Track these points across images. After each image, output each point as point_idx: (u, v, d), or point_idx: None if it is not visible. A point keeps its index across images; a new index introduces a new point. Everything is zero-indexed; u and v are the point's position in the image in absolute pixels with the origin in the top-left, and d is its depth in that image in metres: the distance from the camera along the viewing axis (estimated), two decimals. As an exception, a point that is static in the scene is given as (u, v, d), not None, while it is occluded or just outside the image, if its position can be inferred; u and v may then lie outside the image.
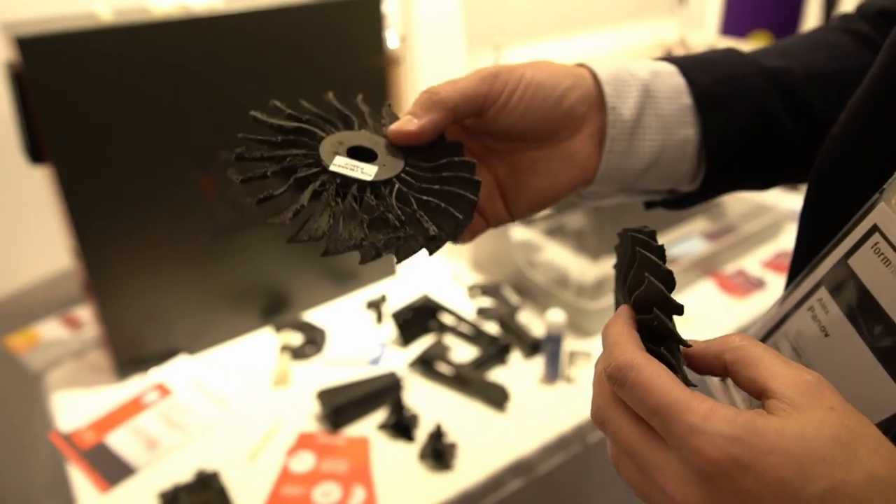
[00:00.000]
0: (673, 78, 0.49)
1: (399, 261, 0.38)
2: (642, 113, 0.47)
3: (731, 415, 0.28)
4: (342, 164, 0.40)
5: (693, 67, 0.49)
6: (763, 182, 0.54)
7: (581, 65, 0.48)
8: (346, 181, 0.40)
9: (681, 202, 0.54)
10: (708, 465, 0.28)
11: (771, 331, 0.42)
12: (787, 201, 1.59)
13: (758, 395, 0.31)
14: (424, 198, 0.40)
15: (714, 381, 0.34)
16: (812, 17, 2.84)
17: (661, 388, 0.30)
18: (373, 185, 0.40)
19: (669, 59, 0.51)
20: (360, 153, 0.42)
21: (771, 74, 0.50)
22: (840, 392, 0.30)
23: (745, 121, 0.49)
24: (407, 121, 0.43)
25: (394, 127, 0.43)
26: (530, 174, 0.48)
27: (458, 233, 0.40)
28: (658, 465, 0.30)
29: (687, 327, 1.24)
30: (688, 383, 0.31)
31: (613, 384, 0.32)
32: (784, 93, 0.50)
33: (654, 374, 0.30)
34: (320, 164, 0.40)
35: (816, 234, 0.41)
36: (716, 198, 0.54)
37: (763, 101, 0.49)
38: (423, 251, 0.39)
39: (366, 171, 0.40)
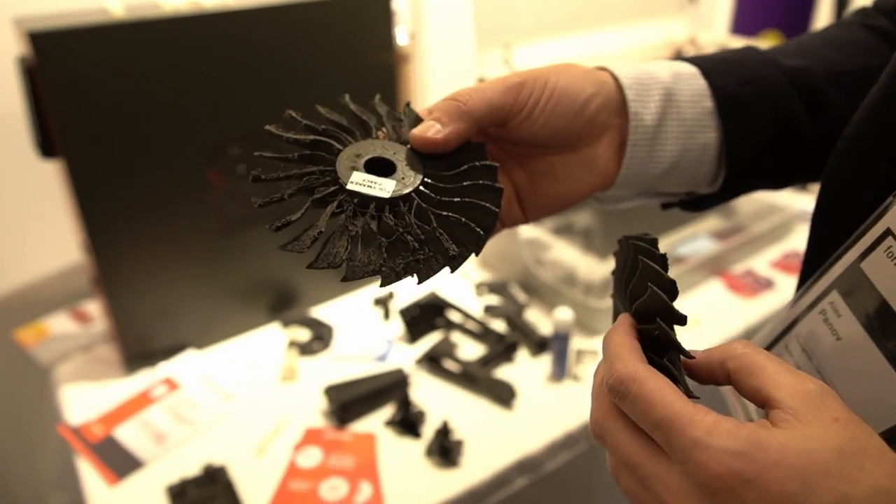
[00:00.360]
0: (695, 80, 0.48)
1: (420, 282, 0.37)
2: (664, 118, 0.47)
3: (735, 428, 0.28)
4: (360, 181, 0.39)
5: (714, 69, 0.49)
6: (780, 182, 0.54)
7: (602, 68, 0.47)
8: (364, 200, 0.38)
9: (699, 204, 0.53)
10: (711, 480, 0.27)
11: (782, 333, 0.41)
12: (797, 201, 1.58)
13: (761, 405, 0.30)
14: (444, 213, 0.39)
15: (727, 387, 0.34)
16: (823, 17, 2.82)
17: (664, 400, 0.30)
18: (391, 203, 0.39)
19: (690, 59, 0.50)
20: (379, 165, 0.41)
21: (791, 74, 0.49)
22: (851, 396, 0.29)
23: (766, 124, 0.49)
24: (430, 126, 0.41)
25: (417, 133, 0.42)
26: (548, 179, 0.47)
27: (480, 248, 0.39)
28: (660, 478, 0.30)
29: (694, 327, 1.24)
30: (689, 394, 0.31)
31: (615, 396, 0.32)
32: (804, 93, 0.49)
33: (657, 387, 0.30)
34: (338, 182, 0.39)
35: (828, 235, 0.41)
36: (734, 199, 0.53)
37: (784, 102, 0.49)
38: (446, 269, 0.38)
39: (384, 188, 0.39)
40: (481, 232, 0.39)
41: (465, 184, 0.41)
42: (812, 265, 0.41)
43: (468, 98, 0.42)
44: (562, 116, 0.44)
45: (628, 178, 0.48)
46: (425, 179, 0.41)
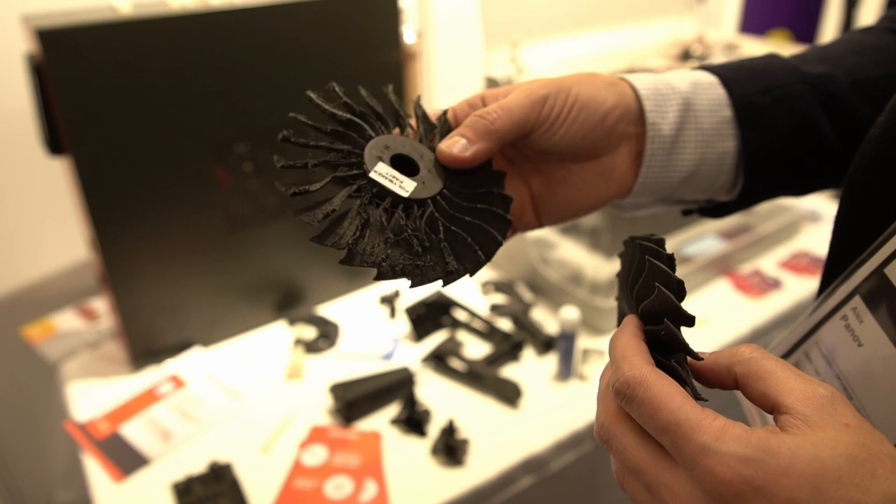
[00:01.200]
0: (713, 89, 0.48)
1: (412, 286, 0.38)
2: (682, 127, 0.47)
3: (744, 434, 0.27)
4: (383, 173, 0.39)
5: (734, 77, 0.48)
6: (801, 189, 0.53)
7: (622, 78, 0.47)
8: (383, 192, 0.39)
9: (718, 211, 0.53)
10: (720, 486, 0.27)
11: (802, 339, 0.41)
12: (806, 201, 1.57)
13: (770, 410, 0.30)
14: (453, 228, 0.40)
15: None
16: (832, 15, 2.81)
17: (672, 405, 0.29)
18: (406, 203, 0.39)
19: (709, 67, 0.50)
20: (404, 162, 0.41)
21: (813, 82, 0.49)
22: (872, 403, 0.29)
23: (786, 132, 0.48)
24: (456, 142, 0.42)
25: (444, 148, 0.42)
26: (565, 186, 0.47)
27: (477, 270, 0.40)
28: (667, 484, 0.29)
29: (701, 327, 1.23)
30: (696, 396, 0.30)
31: (621, 400, 0.31)
32: (827, 101, 0.49)
33: (664, 391, 0.30)
34: (362, 167, 0.39)
35: (851, 239, 0.40)
36: (754, 206, 0.53)
37: (804, 110, 0.48)
38: (438, 282, 0.39)
39: (404, 186, 0.40)
40: (482, 256, 0.40)
41: (478, 206, 0.42)
42: (834, 269, 0.40)
43: (496, 117, 0.42)
44: (581, 128, 0.44)
45: (645, 187, 0.48)
46: (443, 191, 0.41)
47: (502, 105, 0.43)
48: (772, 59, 0.51)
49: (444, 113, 0.46)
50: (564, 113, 0.43)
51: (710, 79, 0.48)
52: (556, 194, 0.48)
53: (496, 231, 0.41)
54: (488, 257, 0.40)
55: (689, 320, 0.32)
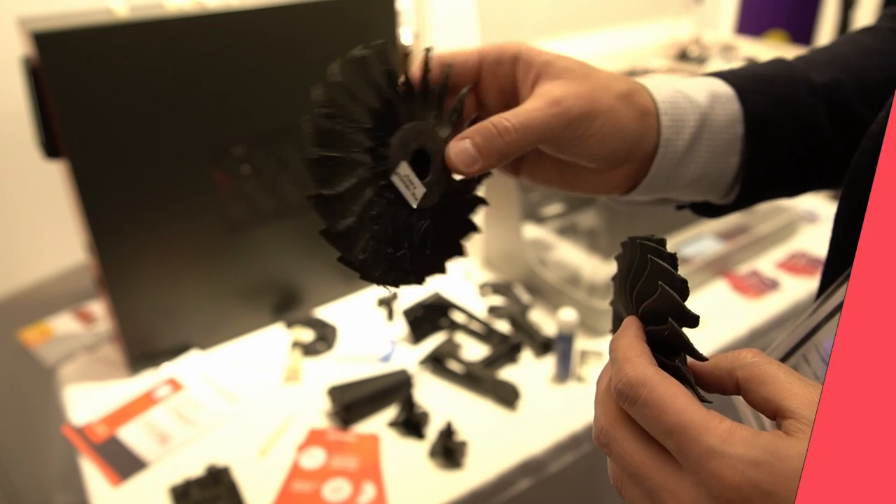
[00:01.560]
0: (730, 104, 0.47)
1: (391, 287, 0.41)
2: (695, 143, 0.46)
3: (752, 437, 0.27)
4: (402, 175, 0.39)
5: (747, 88, 0.48)
6: (799, 191, 0.53)
7: (646, 91, 0.45)
8: (397, 197, 0.39)
9: (712, 211, 0.53)
10: (727, 490, 0.26)
11: (801, 342, 0.40)
12: (803, 202, 1.58)
13: (773, 415, 0.29)
14: (439, 242, 0.42)
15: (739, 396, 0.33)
16: (829, 16, 2.81)
17: (676, 406, 0.28)
18: (411, 213, 0.40)
19: (726, 76, 0.49)
20: (423, 159, 0.41)
21: (821, 91, 0.48)
22: None
23: (791, 144, 0.48)
24: (463, 151, 0.40)
25: (451, 156, 0.40)
26: (555, 170, 0.47)
27: (425, 280, 0.42)
28: (670, 489, 0.29)
29: (699, 328, 1.23)
30: (701, 398, 0.30)
31: (624, 402, 0.31)
32: (833, 110, 0.48)
33: (669, 392, 0.29)
34: (385, 167, 0.39)
35: (852, 238, 0.40)
36: (749, 208, 0.53)
37: (812, 123, 0.48)
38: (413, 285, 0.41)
39: (415, 194, 0.40)
40: (443, 272, 0.43)
41: (465, 215, 0.44)
42: (834, 268, 0.40)
43: (512, 131, 0.40)
44: (595, 154, 0.43)
45: (644, 191, 0.47)
46: (443, 198, 0.42)
47: (523, 120, 0.40)
48: (781, 65, 0.50)
49: (464, 92, 0.43)
50: (584, 138, 0.42)
51: (727, 92, 0.48)
52: (543, 169, 0.47)
53: (455, 253, 0.44)
54: (440, 273, 0.43)
55: (693, 320, 0.31)
